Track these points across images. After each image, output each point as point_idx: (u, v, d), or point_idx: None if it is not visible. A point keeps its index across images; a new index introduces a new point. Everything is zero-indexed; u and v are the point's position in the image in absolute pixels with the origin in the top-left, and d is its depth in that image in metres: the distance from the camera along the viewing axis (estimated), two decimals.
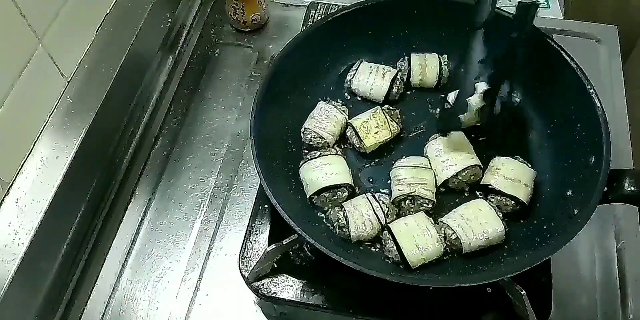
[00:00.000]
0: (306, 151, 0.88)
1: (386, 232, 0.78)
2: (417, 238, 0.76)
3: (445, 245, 0.78)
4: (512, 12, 0.83)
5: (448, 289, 0.78)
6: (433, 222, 0.79)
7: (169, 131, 1.06)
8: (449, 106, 0.86)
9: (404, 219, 0.79)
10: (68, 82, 0.91)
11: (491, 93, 0.84)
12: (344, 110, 0.89)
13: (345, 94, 0.95)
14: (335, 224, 0.80)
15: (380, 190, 0.85)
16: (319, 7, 1.09)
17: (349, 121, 0.88)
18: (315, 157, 0.83)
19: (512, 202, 0.80)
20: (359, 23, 0.92)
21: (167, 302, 0.89)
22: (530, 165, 0.83)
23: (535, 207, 0.82)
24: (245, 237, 0.82)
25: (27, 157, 0.83)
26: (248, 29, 1.17)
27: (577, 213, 0.74)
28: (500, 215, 0.79)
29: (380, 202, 0.80)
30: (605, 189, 0.72)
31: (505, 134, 0.87)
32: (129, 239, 0.95)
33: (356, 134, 0.86)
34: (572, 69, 0.81)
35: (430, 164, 0.85)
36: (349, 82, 0.93)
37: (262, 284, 0.79)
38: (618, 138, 1.01)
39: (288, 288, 0.79)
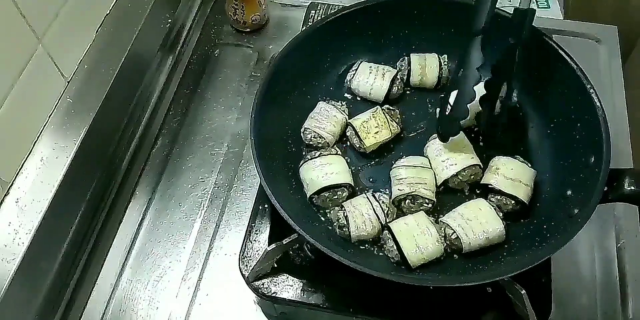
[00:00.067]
0: (306, 151, 0.88)
1: (386, 231, 0.78)
2: (417, 237, 0.76)
3: (445, 244, 0.78)
4: (511, 12, 0.83)
5: (448, 288, 0.78)
6: (433, 221, 0.79)
7: (169, 131, 1.06)
8: (447, 110, 0.86)
9: (404, 218, 0.79)
10: (68, 82, 0.91)
11: (489, 98, 0.84)
12: (344, 110, 0.89)
13: (345, 94, 0.95)
14: (335, 224, 0.80)
15: (380, 190, 0.85)
16: (318, 8, 1.09)
17: (349, 121, 0.88)
18: (315, 157, 0.83)
19: (512, 201, 0.80)
20: (359, 23, 0.92)
21: (167, 301, 0.89)
22: (530, 165, 0.83)
23: (535, 207, 0.82)
24: (245, 236, 0.82)
25: (27, 157, 0.83)
26: (248, 29, 1.17)
27: (577, 213, 0.74)
28: (500, 214, 0.78)
29: (380, 202, 0.80)
30: (605, 188, 0.72)
31: (505, 134, 0.87)
32: (129, 238, 0.95)
33: (356, 134, 0.86)
34: (572, 69, 0.81)
35: (430, 163, 0.85)
36: (349, 82, 0.93)
37: (262, 284, 0.79)
38: (618, 138, 1.01)
39: (288, 288, 0.79)
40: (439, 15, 0.91)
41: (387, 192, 0.84)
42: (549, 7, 1.24)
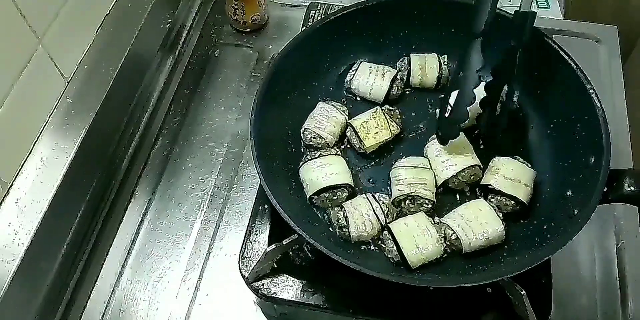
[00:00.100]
0: (306, 151, 0.88)
1: (386, 232, 0.78)
2: (417, 238, 0.76)
3: (445, 245, 0.78)
4: (512, 13, 0.83)
5: (448, 289, 0.78)
6: (433, 222, 0.79)
7: (169, 131, 1.06)
8: (447, 111, 0.85)
9: (404, 219, 0.79)
10: (68, 82, 0.91)
11: (489, 100, 0.84)
12: (343, 111, 0.89)
13: (345, 94, 0.95)
14: (335, 224, 0.80)
15: (380, 190, 0.85)
16: (318, 7, 1.09)
17: (349, 121, 0.88)
18: (315, 157, 0.83)
19: (512, 202, 0.80)
20: (359, 23, 0.92)
21: (167, 302, 0.89)
22: (530, 165, 0.83)
23: (535, 207, 0.82)
24: (245, 237, 0.82)
25: (27, 157, 0.83)
26: (248, 29, 1.17)
27: (577, 213, 0.74)
28: (500, 215, 0.78)
29: (380, 202, 0.80)
30: (605, 189, 0.72)
31: (505, 135, 0.87)
32: (129, 239, 0.95)
33: (356, 134, 0.86)
34: (572, 69, 0.81)
35: (430, 164, 0.85)
36: (348, 82, 0.93)
37: (262, 284, 0.79)
38: (618, 138, 1.01)
39: (288, 288, 0.79)
40: (439, 15, 0.91)
41: (387, 193, 0.84)
42: (549, 7, 1.24)
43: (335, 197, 0.82)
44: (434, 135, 0.86)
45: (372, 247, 0.80)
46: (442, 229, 0.78)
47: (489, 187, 0.81)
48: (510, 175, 0.81)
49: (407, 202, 0.81)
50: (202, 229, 0.96)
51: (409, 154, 0.87)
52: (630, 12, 1.38)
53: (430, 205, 0.81)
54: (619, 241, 0.94)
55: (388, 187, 0.85)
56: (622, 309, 0.88)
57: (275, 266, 0.79)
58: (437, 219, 0.81)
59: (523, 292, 0.72)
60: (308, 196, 0.82)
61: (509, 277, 0.71)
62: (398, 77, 0.92)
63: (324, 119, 0.87)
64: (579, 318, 0.88)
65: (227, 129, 1.06)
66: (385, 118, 0.87)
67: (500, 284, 0.74)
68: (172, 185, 1.00)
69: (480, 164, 0.83)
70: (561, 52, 0.83)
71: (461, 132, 0.85)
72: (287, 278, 0.79)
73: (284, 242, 0.75)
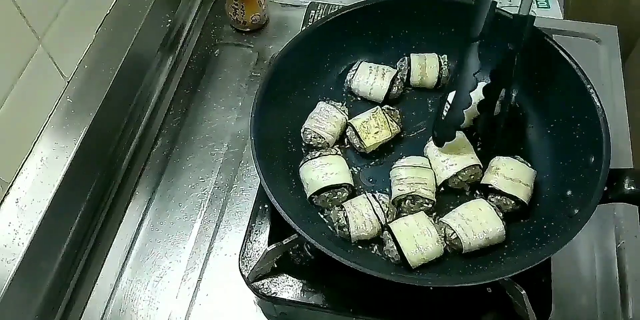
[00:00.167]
0: (306, 151, 0.88)
1: (386, 232, 0.78)
2: (417, 238, 0.76)
3: (445, 245, 0.78)
4: (511, 12, 0.83)
5: (448, 289, 0.78)
6: (433, 221, 0.79)
7: (169, 131, 1.06)
8: (445, 111, 0.86)
9: (404, 218, 0.79)
10: (68, 82, 0.91)
11: (487, 103, 0.84)
12: (344, 110, 0.89)
13: (345, 94, 0.95)
14: (335, 224, 0.80)
15: (380, 190, 0.85)
16: (318, 7, 1.09)
17: (349, 121, 0.88)
18: (315, 157, 0.83)
19: (512, 201, 0.80)
20: (359, 23, 0.92)
21: (167, 302, 0.89)
22: (530, 165, 0.83)
23: (535, 207, 0.82)
24: (245, 237, 0.82)
25: (27, 157, 0.83)
26: (248, 29, 1.17)
27: (577, 213, 0.74)
28: (500, 215, 0.78)
29: (381, 202, 0.80)
30: (605, 188, 0.72)
31: (504, 135, 0.87)
32: (129, 239, 0.95)
33: (356, 134, 0.86)
34: (572, 69, 0.81)
35: (430, 163, 0.84)
36: (348, 82, 0.93)
37: (262, 284, 0.79)
38: (618, 138, 1.01)
39: (288, 288, 0.79)
40: (439, 15, 0.91)
41: (387, 192, 0.84)
42: (549, 7, 1.24)
43: (335, 197, 0.82)
44: None
45: (372, 247, 0.80)
46: (442, 229, 0.78)
47: (489, 186, 0.81)
48: (511, 175, 0.81)
49: (407, 201, 0.81)
50: (202, 228, 0.96)
51: (409, 153, 0.87)
52: (630, 12, 1.38)
53: (430, 205, 0.81)
54: (619, 241, 0.94)
55: (388, 187, 0.85)
56: (622, 309, 0.88)
57: (275, 266, 0.79)
58: (437, 219, 0.81)
59: (523, 292, 0.72)
60: (308, 196, 0.82)
61: (509, 276, 0.71)
62: (398, 77, 0.92)
63: (324, 119, 0.87)
64: (579, 318, 0.88)
65: (227, 129, 1.06)
66: (385, 118, 0.87)
67: (500, 283, 0.74)
68: (172, 185, 1.00)
69: (480, 164, 0.83)
70: (561, 52, 0.83)
71: (461, 132, 0.85)
72: (287, 278, 0.79)
73: (284, 242, 0.75)
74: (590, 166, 0.76)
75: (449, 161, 0.83)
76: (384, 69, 0.92)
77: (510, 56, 0.81)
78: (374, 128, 0.86)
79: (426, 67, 0.92)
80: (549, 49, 0.84)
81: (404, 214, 0.81)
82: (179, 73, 1.13)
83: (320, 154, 0.83)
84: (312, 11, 1.09)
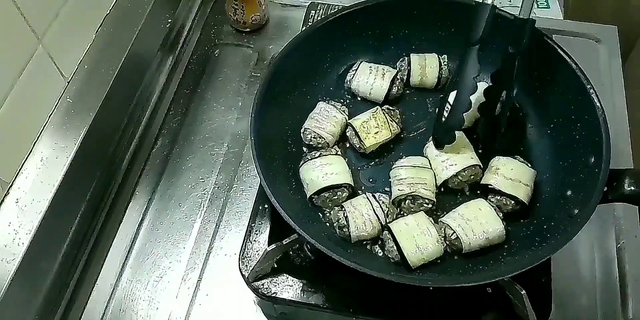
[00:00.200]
0: (306, 151, 0.88)
1: (386, 232, 0.78)
2: (417, 238, 0.76)
3: (445, 245, 0.78)
4: (512, 12, 0.83)
5: (448, 289, 0.78)
6: (433, 222, 0.79)
7: (169, 131, 1.06)
8: (445, 112, 0.86)
9: (404, 218, 0.79)
10: (68, 82, 0.91)
11: (487, 106, 0.84)
12: (344, 111, 0.89)
13: (345, 94, 0.95)
14: (335, 224, 0.80)
15: (380, 190, 0.85)
16: (319, 8, 1.09)
17: (349, 121, 0.88)
18: (315, 157, 0.83)
19: (512, 202, 0.80)
20: (359, 23, 0.92)
21: (167, 302, 0.89)
22: (530, 165, 0.83)
23: (535, 207, 0.82)
24: (245, 237, 0.82)
25: (27, 157, 0.83)
26: (248, 29, 1.17)
27: (577, 213, 0.74)
28: (500, 215, 0.78)
29: (381, 202, 0.80)
30: (605, 188, 0.72)
31: (504, 135, 0.87)
32: (129, 239, 0.95)
33: (356, 134, 0.86)
34: (572, 69, 0.81)
35: (430, 163, 0.84)
36: (348, 82, 0.93)
37: (262, 284, 0.79)
38: (618, 138, 1.01)
39: (288, 288, 0.79)
40: (439, 15, 0.91)
41: (387, 193, 0.84)
42: (549, 7, 1.24)
43: (336, 197, 0.82)
44: None
45: (372, 247, 0.80)
46: (442, 229, 0.78)
47: (489, 186, 0.81)
48: (511, 175, 0.81)
49: (407, 201, 0.81)
50: (202, 228, 0.96)
51: (409, 153, 0.87)
52: (630, 12, 1.38)
53: (430, 205, 0.81)
54: (619, 241, 0.94)
55: (388, 187, 0.85)
56: (622, 309, 0.88)
57: (275, 266, 0.79)
58: (437, 219, 0.81)
59: (523, 292, 0.72)
60: (308, 196, 0.82)
61: (509, 276, 0.71)
62: (398, 77, 0.92)
63: (324, 119, 0.87)
64: (579, 318, 0.88)
65: (227, 129, 1.06)
66: (385, 118, 0.87)
67: (500, 283, 0.74)
68: (172, 185, 1.00)
69: (480, 164, 0.83)
70: (561, 52, 0.83)
71: (461, 132, 0.85)
72: (287, 278, 0.79)
73: (284, 242, 0.75)
74: (590, 166, 0.76)
75: (448, 161, 0.83)
76: (384, 69, 0.92)
77: (510, 58, 0.81)
78: (374, 128, 0.86)
79: (426, 67, 0.92)
80: (549, 49, 0.84)
81: (404, 214, 0.81)
82: (179, 73, 1.13)
83: (320, 154, 0.83)
84: (312, 11, 1.09)
